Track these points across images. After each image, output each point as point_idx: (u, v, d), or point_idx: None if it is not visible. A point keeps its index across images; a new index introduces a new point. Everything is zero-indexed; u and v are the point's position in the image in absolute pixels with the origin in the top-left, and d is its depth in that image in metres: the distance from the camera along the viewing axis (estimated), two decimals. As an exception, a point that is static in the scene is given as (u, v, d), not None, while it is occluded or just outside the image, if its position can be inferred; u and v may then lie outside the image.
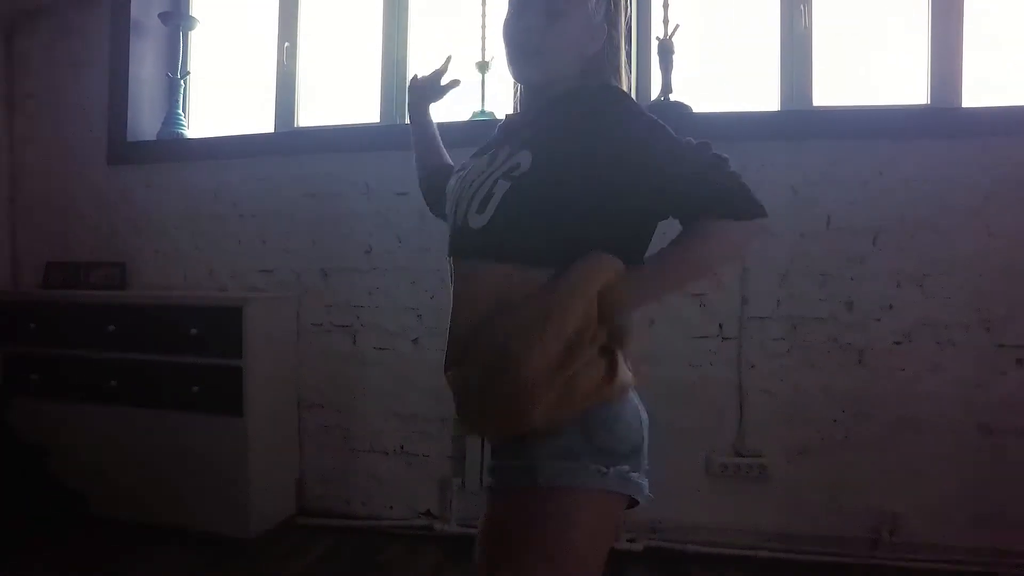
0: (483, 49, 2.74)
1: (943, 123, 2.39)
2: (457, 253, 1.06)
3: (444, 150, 1.49)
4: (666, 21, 2.53)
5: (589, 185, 0.95)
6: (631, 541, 2.39)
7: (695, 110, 2.47)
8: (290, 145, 2.84)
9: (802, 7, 2.57)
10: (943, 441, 2.27)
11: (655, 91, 2.55)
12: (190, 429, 2.45)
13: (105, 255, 2.94)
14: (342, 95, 3.02)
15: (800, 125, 2.47)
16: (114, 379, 2.55)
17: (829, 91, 2.59)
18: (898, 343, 2.32)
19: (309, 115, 3.02)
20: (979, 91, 2.46)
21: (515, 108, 1.18)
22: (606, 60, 1.10)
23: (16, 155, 3.01)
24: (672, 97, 2.51)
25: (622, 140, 0.96)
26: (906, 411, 2.30)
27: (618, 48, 1.12)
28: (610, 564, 1.02)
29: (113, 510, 2.53)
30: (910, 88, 2.54)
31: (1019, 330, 2.24)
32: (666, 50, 2.53)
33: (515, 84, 1.18)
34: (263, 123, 3.02)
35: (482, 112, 2.75)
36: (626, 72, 1.13)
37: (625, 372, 0.99)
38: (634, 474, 0.99)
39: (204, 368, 2.45)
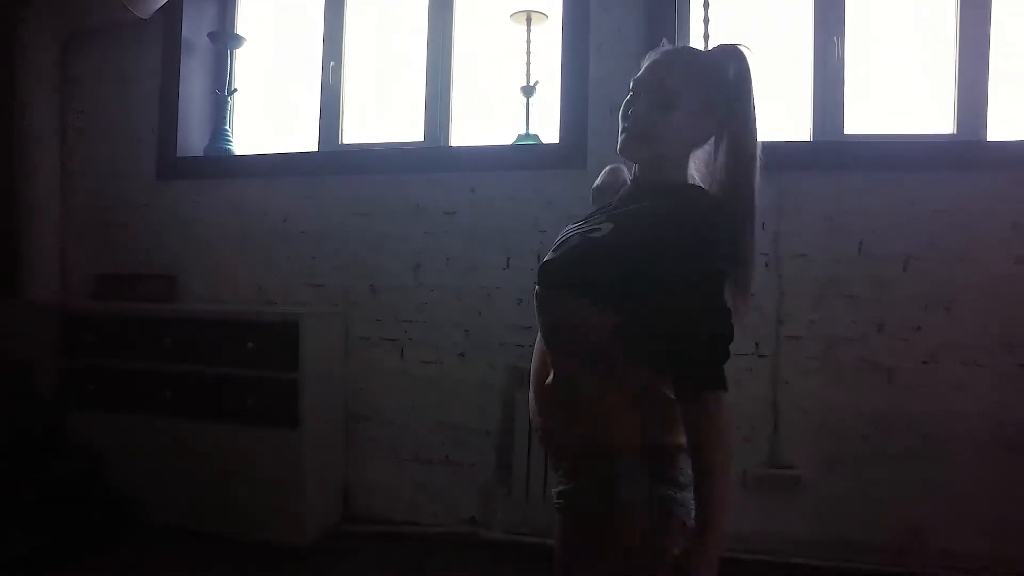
0: (528, 74, 2.85)
1: (969, 155, 2.53)
2: (539, 289, 1.18)
3: None
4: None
5: (630, 274, 1.06)
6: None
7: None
8: (341, 164, 2.93)
9: (835, 39, 2.70)
10: (968, 457, 2.41)
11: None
12: (245, 440, 2.55)
13: (154, 269, 3.02)
14: (386, 113, 3.12)
15: (833, 155, 2.59)
16: (170, 390, 2.64)
17: (859, 120, 2.72)
18: (925, 363, 2.46)
19: (352, 132, 3.12)
20: (1005, 124, 2.61)
21: (632, 177, 1.29)
22: (735, 151, 1.15)
23: (67, 170, 3.08)
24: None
25: (675, 272, 1.03)
26: (932, 428, 2.44)
27: (745, 139, 1.14)
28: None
29: (169, 519, 2.62)
30: (937, 118, 2.68)
31: (1039, 352, 2.40)
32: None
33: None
34: (307, 140, 3.11)
35: (527, 135, 2.85)
36: (757, 163, 1.15)
37: None
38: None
39: (260, 380, 2.54)
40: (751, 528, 2.51)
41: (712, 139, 1.21)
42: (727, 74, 1.16)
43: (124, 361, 2.70)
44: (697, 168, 1.23)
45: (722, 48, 1.19)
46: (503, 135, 2.91)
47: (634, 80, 1.20)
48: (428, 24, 3.01)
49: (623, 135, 1.18)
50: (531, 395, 1.26)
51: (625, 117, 1.19)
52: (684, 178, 1.21)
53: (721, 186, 1.16)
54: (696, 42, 2.67)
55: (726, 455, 1.04)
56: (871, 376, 2.49)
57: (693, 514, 1.05)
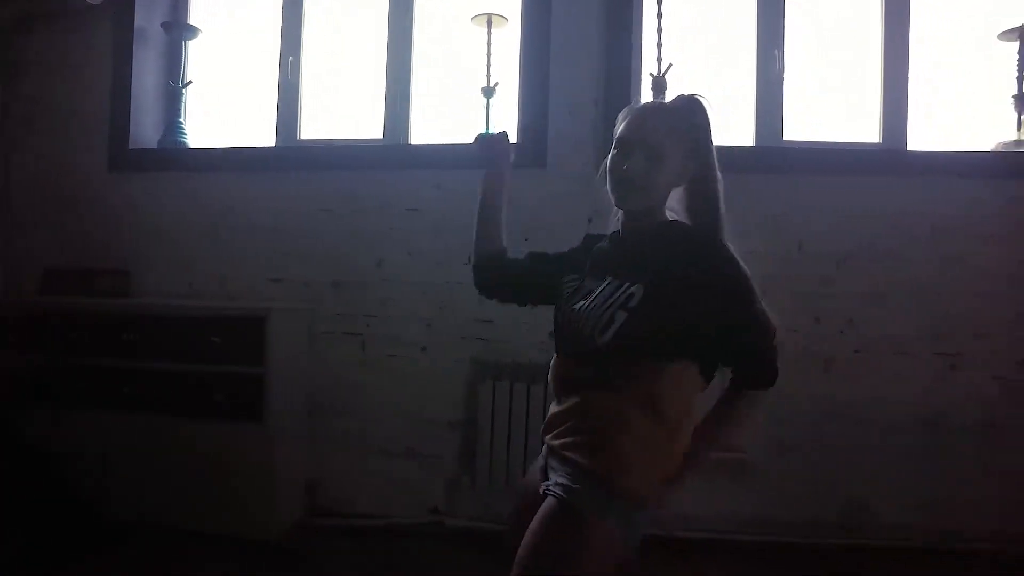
0: (488, 75, 2.93)
1: (893, 163, 2.77)
2: (580, 358, 1.32)
3: (503, 228, 1.72)
4: (659, 59, 2.79)
5: (685, 319, 1.24)
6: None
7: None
8: (302, 159, 2.93)
9: (776, 52, 2.90)
10: (898, 438, 2.64)
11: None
12: (211, 435, 2.52)
13: (107, 263, 2.94)
14: (344, 110, 3.14)
15: (775, 160, 2.79)
16: (130, 387, 2.58)
17: (797, 127, 2.93)
18: (858, 352, 2.68)
19: (310, 128, 3.12)
20: (925, 134, 2.86)
21: (618, 227, 1.43)
22: (699, 190, 1.36)
23: (13, 160, 2.96)
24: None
25: (715, 290, 1.25)
26: (866, 413, 2.65)
27: (706, 180, 1.35)
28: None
29: (133, 517, 2.56)
30: (865, 128, 2.92)
31: (957, 341, 2.64)
32: (659, 87, 2.79)
33: (615, 209, 1.41)
34: (263, 134, 3.11)
35: (487, 134, 2.92)
36: (720, 197, 1.35)
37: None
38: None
39: (225, 375, 2.53)
40: (701, 509, 2.66)
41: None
42: (693, 121, 1.34)
43: (80, 358, 2.62)
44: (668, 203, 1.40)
45: (684, 99, 1.37)
46: (463, 134, 2.98)
47: (619, 138, 1.36)
48: (388, 23, 3.06)
49: (621, 189, 1.34)
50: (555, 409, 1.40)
51: (617, 171, 1.34)
52: (664, 216, 1.38)
53: (693, 214, 1.37)
54: (650, 53, 2.82)
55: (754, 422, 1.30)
56: (810, 366, 2.69)
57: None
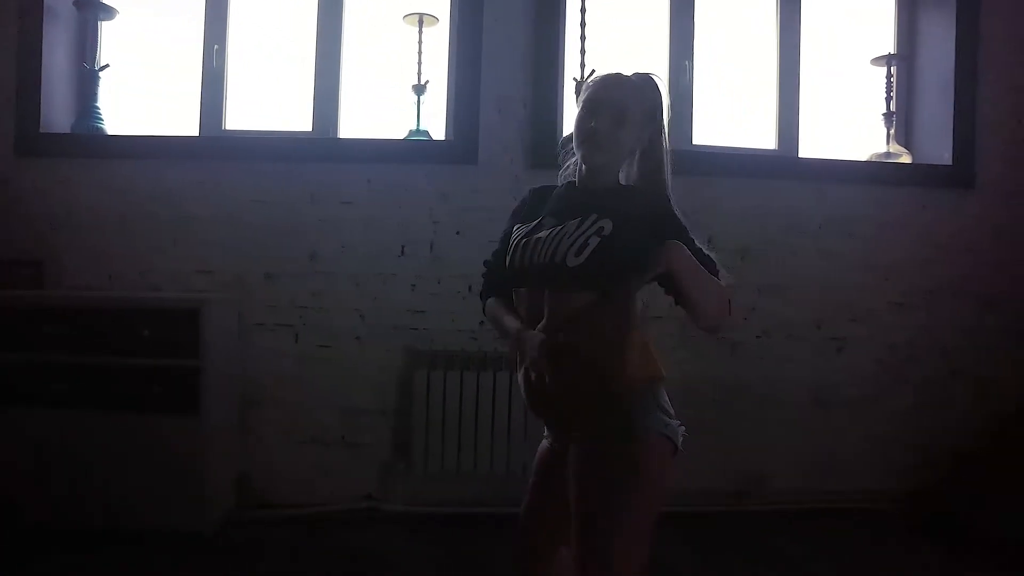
0: (419, 73, 3.01)
1: (787, 167, 3.11)
2: (553, 284, 1.39)
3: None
4: (583, 66, 2.98)
5: (648, 248, 1.33)
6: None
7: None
8: (230, 149, 2.90)
9: (686, 63, 3.17)
10: (792, 413, 2.98)
11: (571, 125, 2.99)
12: (143, 430, 2.46)
13: (14, 253, 2.77)
14: (271, 101, 3.12)
15: (687, 162, 3.03)
16: (55, 382, 2.46)
17: (705, 132, 3.21)
18: (759, 337, 2.99)
19: (235, 118, 3.08)
20: (814, 143, 3.23)
21: (577, 177, 1.53)
22: (650, 156, 1.49)
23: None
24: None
25: (671, 228, 1.37)
26: (765, 391, 2.97)
27: (658, 147, 1.49)
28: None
29: (59, 517, 2.46)
30: (763, 136, 3.25)
31: (841, 326, 3.01)
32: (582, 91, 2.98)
33: (578, 161, 1.51)
34: (186, 123, 3.04)
35: (418, 131, 3.02)
36: (667, 164, 1.49)
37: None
38: (680, 427, 1.41)
39: (158, 368, 2.47)
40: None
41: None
42: (650, 94, 1.47)
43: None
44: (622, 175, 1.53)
45: (643, 75, 1.50)
46: (393, 130, 3.05)
47: (587, 99, 1.47)
48: (317, 17, 3.07)
49: (588, 145, 1.44)
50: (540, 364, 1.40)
51: (585, 129, 1.44)
52: (618, 179, 1.50)
53: (645, 180, 1.48)
54: (574, 57, 2.99)
55: (721, 297, 1.39)
56: (718, 350, 2.96)
57: (681, 440, 1.38)
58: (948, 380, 3.04)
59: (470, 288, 2.90)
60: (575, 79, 2.95)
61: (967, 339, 3.04)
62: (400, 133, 3.03)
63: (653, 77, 1.50)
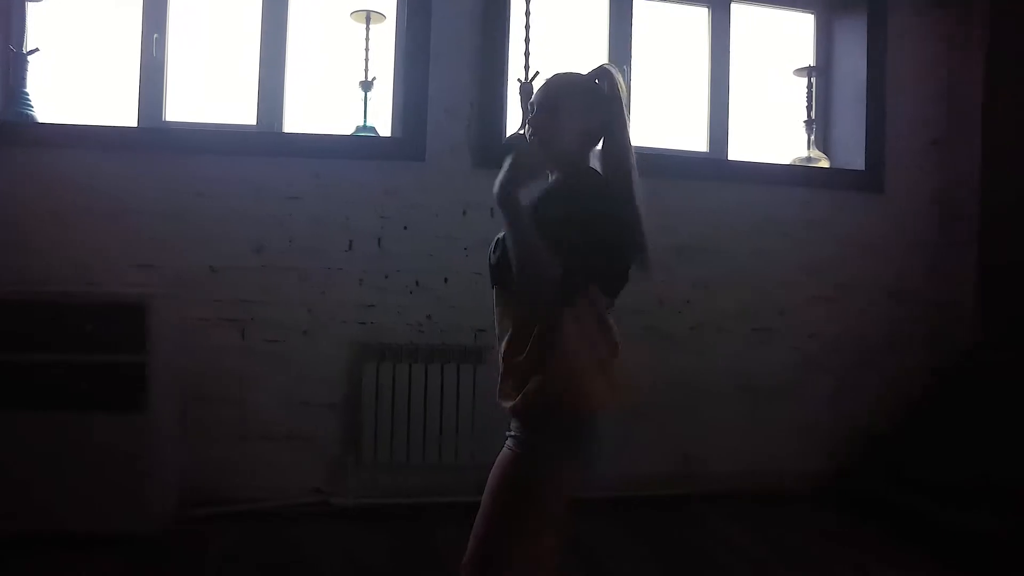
0: (366, 70, 3.04)
1: (718, 170, 3.30)
2: (490, 281, 1.48)
3: None
4: (527, 67, 3.07)
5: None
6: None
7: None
8: (171, 141, 2.84)
9: (624, 68, 3.31)
10: (721, 400, 3.16)
11: (515, 125, 3.07)
12: (85, 429, 2.38)
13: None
14: (213, 93, 3.07)
15: (640, 165, 3.19)
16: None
17: (640, 135, 3.35)
18: (692, 329, 3.16)
19: (175, 109, 3.02)
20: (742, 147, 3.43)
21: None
22: (610, 149, 1.50)
23: None
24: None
25: (546, 200, 1.40)
26: (697, 380, 3.14)
27: (613, 138, 1.49)
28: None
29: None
30: (695, 139, 3.44)
31: (766, 318, 3.23)
32: (526, 92, 3.06)
33: None
34: (124, 113, 2.95)
35: (365, 127, 3.04)
36: (630, 155, 1.50)
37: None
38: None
39: (102, 365, 2.41)
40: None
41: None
42: (599, 86, 1.52)
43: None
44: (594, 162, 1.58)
45: (597, 67, 1.54)
46: (340, 126, 3.07)
47: (529, 103, 1.54)
48: (262, 9, 3.04)
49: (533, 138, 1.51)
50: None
51: (526, 128, 1.53)
52: (586, 166, 1.53)
53: (607, 169, 1.52)
54: (518, 54, 3.07)
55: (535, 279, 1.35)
56: (655, 342, 3.11)
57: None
58: (860, 368, 3.30)
59: (417, 283, 2.95)
60: (519, 80, 3.05)
61: (878, 329, 3.32)
62: (346, 129, 3.05)
63: (605, 66, 1.52)
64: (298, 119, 3.10)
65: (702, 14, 3.44)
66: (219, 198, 2.82)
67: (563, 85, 1.52)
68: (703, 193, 3.19)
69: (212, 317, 2.80)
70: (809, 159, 3.37)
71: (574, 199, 1.40)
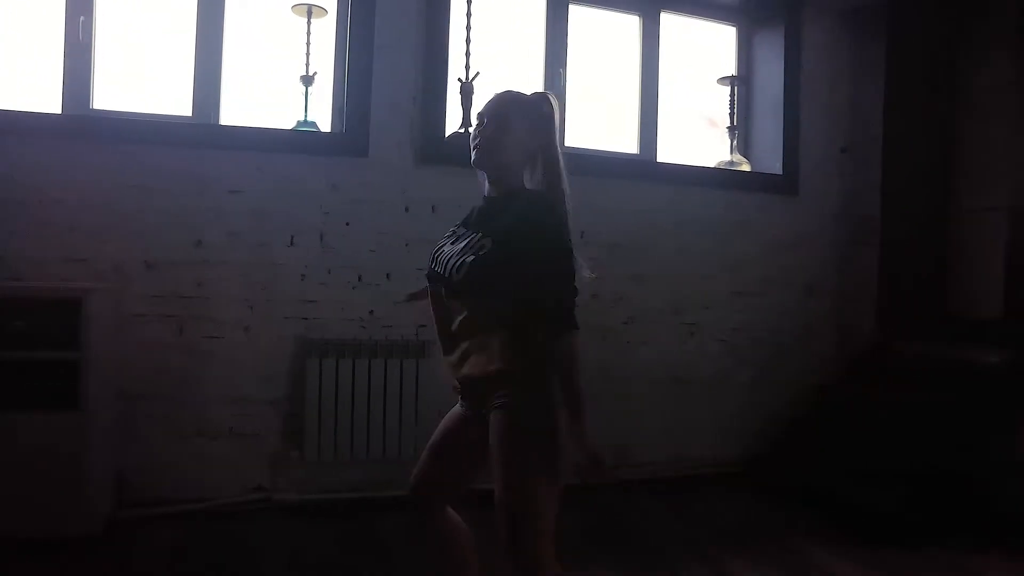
0: (307, 64, 3.02)
1: (647, 171, 3.47)
2: (448, 293, 1.62)
3: None
4: (467, 67, 3.13)
5: (514, 268, 1.52)
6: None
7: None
8: (108, 132, 2.73)
9: (560, 71, 3.42)
10: (653, 390, 3.34)
11: (456, 123, 3.13)
12: (15, 429, 2.29)
13: None
14: (144, 81, 2.98)
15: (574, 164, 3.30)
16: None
17: (575, 136, 3.49)
18: (625, 323, 3.32)
19: (103, 97, 2.91)
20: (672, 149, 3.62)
21: (483, 191, 1.72)
22: (546, 166, 1.65)
23: None
24: (471, 129, 3.13)
25: (537, 249, 1.53)
26: (630, 371, 3.30)
27: (549, 157, 1.65)
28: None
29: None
30: (627, 141, 3.59)
31: (693, 312, 3.43)
32: (467, 92, 3.13)
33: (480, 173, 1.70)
34: (46, 99, 2.81)
35: (305, 121, 3.03)
36: (563, 172, 1.66)
37: None
38: None
39: (33, 363, 2.32)
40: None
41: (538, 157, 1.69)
42: (542, 110, 1.67)
43: None
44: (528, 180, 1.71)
45: (537, 93, 1.71)
46: (278, 120, 3.04)
47: (478, 114, 1.67)
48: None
49: (475, 151, 1.64)
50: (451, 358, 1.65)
51: (474, 137, 1.64)
52: (522, 184, 1.68)
53: (546, 188, 1.66)
54: (458, 54, 3.12)
55: (579, 370, 1.58)
56: (590, 335, 3.23)
57: None
58: (777, 359, 3.56)
59: (360, 278, 2.98)
60: (459, 79, 3.10)
61: (793, 322, 3.60)
62: (286, 123, 3.03)
63: (546, 94, 1.70)
64: (235, 112, 3.04)
65: (634, 22, 3.60)
66: (157, 191, 2.74)
67: (513, 103, 1.67)
68: (634, 193, 3.35)
69: (149, 313, 2.73)
70: (732, 163, 3.59)
71: (551, 233, 1.56)
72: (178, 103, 2.99)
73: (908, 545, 2.60)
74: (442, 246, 1.66)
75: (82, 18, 2.85)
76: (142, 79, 3.00)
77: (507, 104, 1.66)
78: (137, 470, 2.71)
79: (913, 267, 3.41)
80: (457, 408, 1.72)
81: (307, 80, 3.03)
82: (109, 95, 2.93)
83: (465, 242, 1.59)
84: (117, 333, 2.66)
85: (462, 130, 3.12)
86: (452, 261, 1.56)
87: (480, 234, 1.57)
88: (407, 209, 3.03)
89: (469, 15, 3.11)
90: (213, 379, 2.80)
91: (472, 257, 1.53)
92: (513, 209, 1.59)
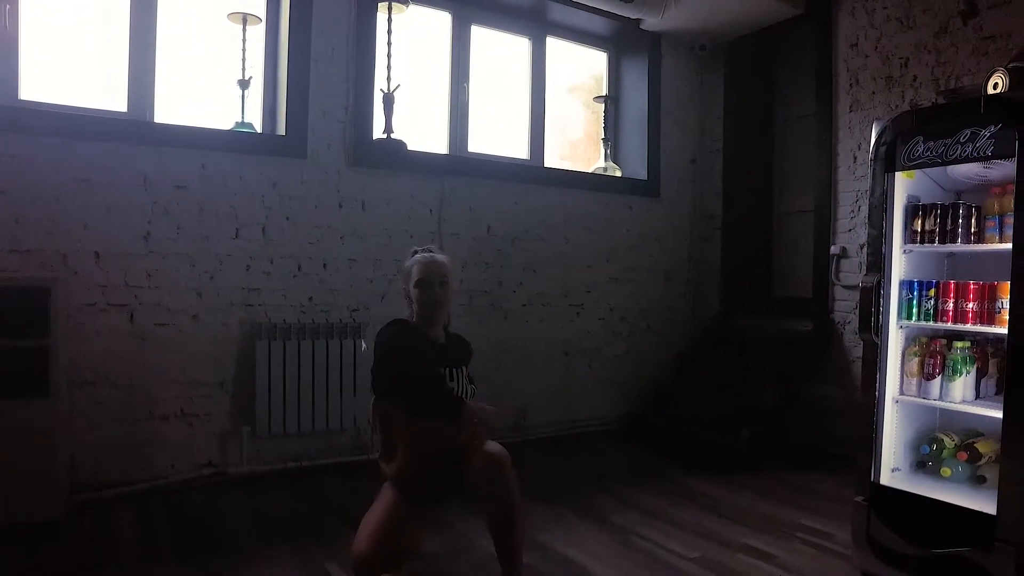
0: (243, 69, 3.22)
1: (537, 174, 4.02)
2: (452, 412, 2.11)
3: None
4: (389, 79, 3.48)
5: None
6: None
7: (408, 147, 3.51)
8: (45, 126, 2.77)
9: (464, 85, 3.88)
10: (547, 362, 3.93)
11: (379, 131, 3.47)
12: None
13: None
14: (75, 73, 3.02)
15: (469, 166, 3.77)
16: None
17: (475, 142, 3.96)
18: (524, 306, 3.87)
19: (30, 89, 2.91)
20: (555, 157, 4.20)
21: (423, 325, 2.22)
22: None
23: None
24: (393, 135, 3.49)
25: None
26: (528, 347, 3.87)
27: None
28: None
29: None
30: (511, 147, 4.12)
31: (578, 296, 4.06)
32: (389, 101, 3.48)
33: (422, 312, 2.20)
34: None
35: (242, 123, 3.23)
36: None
37: None
38: None
39: (2, 352, 2.39)
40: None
41: None
42: (451, 266, 2.26)
43: None
44: None
45: (442, 255, 2.25)
46: (214, 120, 3.21)
47: (420, 280, 2.18)
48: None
49: (435, 308, 2.20)
50: None
51: (429, 298, 2.17)
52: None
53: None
54: (381, 73, 3.48)
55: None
56: (495, 316, 3.76)
57: None
58: (645, 333, 4.31)
59: (299, 268, 3.26)
60: (382, 90, 3.44)
61: (656, 303, 4.35)
62: (223, 124, 3.21)
63: (444, 257, 2.26)
64: (169, 109, 3.17)
65: (524, 44, 4.14)
66: (102, 184, 2.84)
67: (447, 268, 2.24)
68: (529, 194, 3.90)
69: (99, 302, 2.84)
70: (606, 169, 4.26)
71: None
72: (110, 98, 3.06)
73: (755, 469, 3.38)
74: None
75: (7, 6, 2.84)
76: (69, 71, 3.02)
77: (442, 264, 2.19)
78: (90, 454, 2.81)
79: (746, 258, 4.29)
80: None
81: (244, 84, 3.23)
82: (35, 86, 2.95)
83: (458, 377, 2.19)
84: (70, 321, 2.75)
85: (385, 136, 3.47)
86: (460, 390, 2.15)
87: (462, 368, 2.23)
88: (340, 206, 3.35)
89: (390, 32, 3.46)
90: (164, 364, 2.97)
91: (472, 387, 2.23)
92: (458, 347, 2.29)
